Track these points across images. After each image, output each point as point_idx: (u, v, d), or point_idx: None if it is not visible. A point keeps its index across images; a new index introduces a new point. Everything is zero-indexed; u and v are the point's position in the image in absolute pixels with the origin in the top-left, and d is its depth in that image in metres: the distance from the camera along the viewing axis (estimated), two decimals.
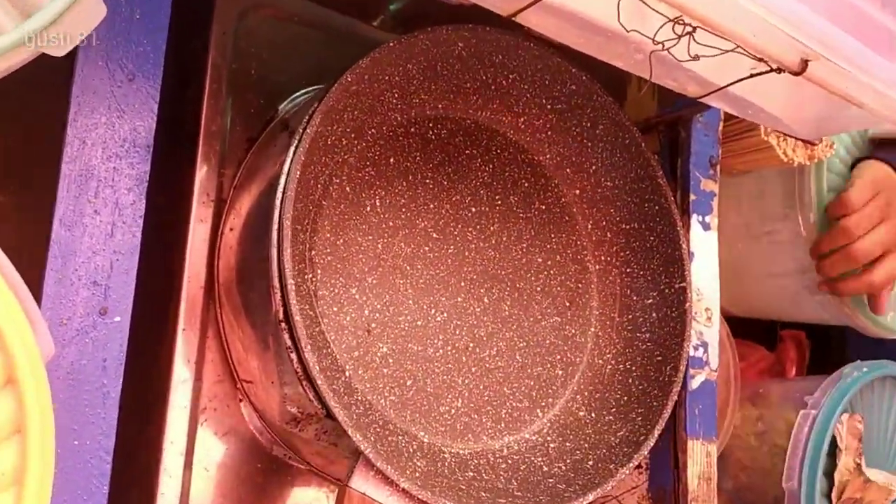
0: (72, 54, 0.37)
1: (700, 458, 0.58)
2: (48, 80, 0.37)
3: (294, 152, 0.42)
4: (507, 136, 0.56)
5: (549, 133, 0.56)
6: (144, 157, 0.38)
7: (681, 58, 0.40)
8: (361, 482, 0.41)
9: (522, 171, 0.56)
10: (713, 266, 0.60)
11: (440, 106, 0.53)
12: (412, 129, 0.52)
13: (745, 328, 0.87)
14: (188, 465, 0.45)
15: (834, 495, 0.67)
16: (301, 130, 0.42)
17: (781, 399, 0.78)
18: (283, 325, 0.41)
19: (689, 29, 0.38)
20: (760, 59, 0.40)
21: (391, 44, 0.45)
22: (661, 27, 0.38)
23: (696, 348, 0.58)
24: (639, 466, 0.61)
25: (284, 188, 0.41)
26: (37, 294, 0.35)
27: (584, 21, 0.38)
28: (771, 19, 0.36)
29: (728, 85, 0.44)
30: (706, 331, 0.59)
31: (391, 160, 0.51)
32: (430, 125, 0.53)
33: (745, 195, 0.75)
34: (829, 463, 0.68)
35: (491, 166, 0.55)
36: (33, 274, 0.35)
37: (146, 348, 0.45)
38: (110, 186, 0.37)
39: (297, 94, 0.52)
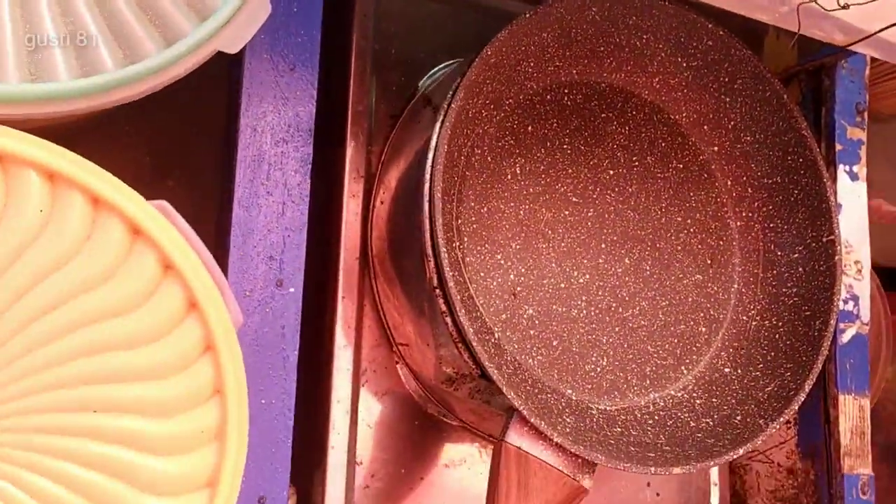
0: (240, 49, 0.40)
1: (852, 413, 0.57)
2: (211, 69, 0.41)
3: (440, 128, 0.44)
4: (642, 96, 0.56)
5: (686, 91, 0.56)
6: (307, 141, 0.41)
7: (829, 7, 0.39)
8: (516, 437, 0.43)
9: (659, 131, 0.56)
10: (862, 217, 0.59)
11: (575, 71, 0.53)
12: (548, 97, 0.53)
13: None
14: (353, 422, 0.49)
15: None
16: (445, 106, 0.44)
17: None
18: (437, 291, 0.43)
19: None
20: None
21: (527, 15, 0.46)
22: None
23: (845, 302, 0.57)
24: (788, 422, 0.60)
25: (433, 162, 0.43)
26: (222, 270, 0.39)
27: None
28: None
29: (880, 30, 0.43)
30: (856, 284, 0.58)
31: (529, 128, 0.52)
32: (566, 91, 0.53)
33: None
34: None
35: (627, 128, 0.55)
36: (216, 253, 0.39)
37: (313, 316, 0.48)
38: (279, 169, 0.40)
39: (435, 69, 0.54)
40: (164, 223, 0.35)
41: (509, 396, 0.42)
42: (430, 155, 0.44)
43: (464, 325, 0.42)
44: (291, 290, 0.40)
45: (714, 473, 0.61)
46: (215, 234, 0.50)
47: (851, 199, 0.59)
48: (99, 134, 0.54)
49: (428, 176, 0.43)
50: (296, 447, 0.42)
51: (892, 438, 0.75)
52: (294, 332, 0.40)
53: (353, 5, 0.52)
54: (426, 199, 0.43)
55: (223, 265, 0.39)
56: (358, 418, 0.49)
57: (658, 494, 0.58)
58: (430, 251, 0.43)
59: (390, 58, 0.53)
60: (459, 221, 0.49)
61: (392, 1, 0.53)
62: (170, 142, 0.56)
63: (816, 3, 0.38)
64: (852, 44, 0.45)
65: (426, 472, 0.51)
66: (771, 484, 0.60)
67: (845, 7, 0.38)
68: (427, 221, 0.43)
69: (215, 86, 0.49)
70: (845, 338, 0.57)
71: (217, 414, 0.36)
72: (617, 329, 0.52)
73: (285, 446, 0.39)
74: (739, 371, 0.54)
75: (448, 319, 0.43)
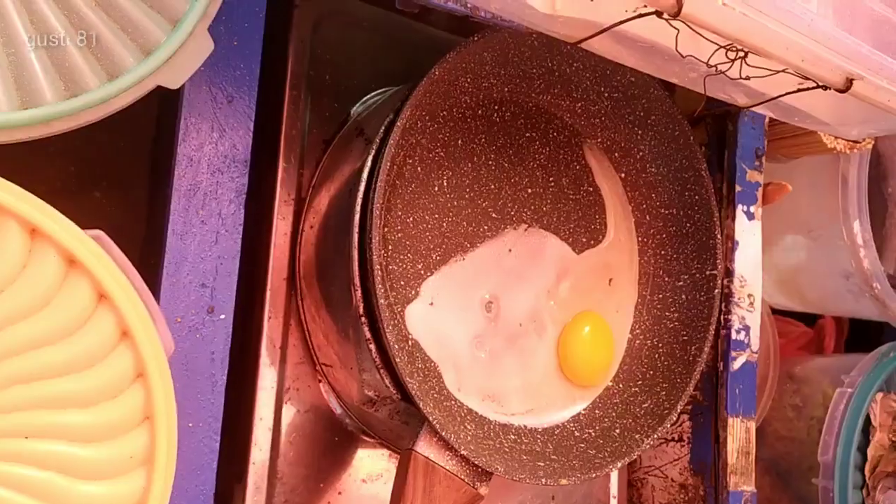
0: None
1: (739, 435, 0.62)
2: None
3: (375, 171, 0.45)
4: (563, 119, 0.59)
5: (603, 119, 0.59)
6: (243, 171, 0.43)
7: (733, 76, 0.43)
8: (426, 447, 0.46)
9: (575, 153, 0.59)
10: (757, 254, 0.63)
11: (506, 89, 0.55)
12: (479, 112, 0.55)
13: None
14: (275, 438, 0.50)
15: (867, 469, 0.71)
16: (378, 140, 0.46)
17: (819, 375, 0.81)
18: (363, 319, 0.45)
19: (741, 54, 0.41)
20: (808, 79, 0.43)
21: (475, 38, 0.48)
22: (714, 52, 0.41)
23: (738, 332, 0.62)
24: (681, 440, 0.65)
25: (370, 209, 0.44)
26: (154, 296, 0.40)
27: (643, 47, 0.41)
28: (818, 49, 0.39)
29: (776, 97, 0.47)
30: (748, 315, 0.63)
31: (459, 142, 0.54)
32: (496, 108, 0.56)
33: (804, 197, 0.77)
34: (863, 439, 0.71)
35: (547, 149, 0.58)
36: (148, 278, 0.40)
37: (239, 334, 0.50)
38: (215, 199, 0.42)
39: (368, 96, 0.56)
40: (99, 253, 0.36)
41: (425, 411, 0.45)
42: (358, 216, 0.45)
43: (390, 352, 0.44)
44: (222, 316, 0.42)
45: (613, 486, 0.65)
46: (142, 246, 0.51)
47: (748, 236, 0.63)
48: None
49: (357, 220, 0.45)
50: (217, 462, 0.43)
51: (775, 453, 0.81)
52: (223, 357, 0.41)
53: (290, 32, 0.53)
54: (356, 228, 0.45)
55: (155, 291, 0.40)
56: (280, 434, 0.51)
57: None
58: (357, 281, 0.45)
59: (325, 83, 0.54)
60: (386, 230, 0.50)
61: (328, 29, 0.55)
62: (97, 151, 0.56)
63: (723, 73, 0.42)
64: (753, 105, 0.49)
65: (344, 486, 0.53)
66: (665, 497, 0.65)
67: (746, 79, 0.42)
68: (356, 252, 0.45)
69: (146, 96, 0.49)
70: (736, 365, 0.62)
71: (146, 439, 0.37)
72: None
73: (209, 469, 0.41)
74: (621, 385, 0.59)
75: (372, 346, 0.45)
